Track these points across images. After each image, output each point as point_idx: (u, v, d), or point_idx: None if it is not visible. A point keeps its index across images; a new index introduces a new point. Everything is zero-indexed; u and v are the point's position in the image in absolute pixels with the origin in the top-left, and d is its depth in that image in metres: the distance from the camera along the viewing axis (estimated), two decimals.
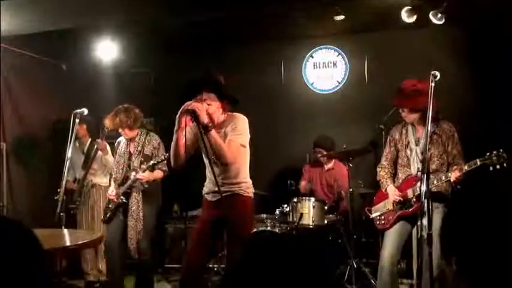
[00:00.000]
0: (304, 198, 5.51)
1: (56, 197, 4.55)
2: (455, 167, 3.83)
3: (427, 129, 3.38)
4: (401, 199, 4.09)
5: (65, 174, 4.52)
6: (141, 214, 4.91)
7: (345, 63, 7.03)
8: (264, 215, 5.90)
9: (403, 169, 4.23)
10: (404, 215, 4.10)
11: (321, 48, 7.17)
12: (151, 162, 4.86)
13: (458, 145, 4.07)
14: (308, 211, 5.36)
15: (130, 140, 5.11)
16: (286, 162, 6.81)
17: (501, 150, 3.65)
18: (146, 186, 4.96)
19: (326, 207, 5.47)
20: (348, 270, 5.20)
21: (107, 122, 5.03)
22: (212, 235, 3.88)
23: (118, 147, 5.18)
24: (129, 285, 5.24)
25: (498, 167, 3.62)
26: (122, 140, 5.19)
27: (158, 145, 5.15)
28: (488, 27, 5.83)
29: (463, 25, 6.10)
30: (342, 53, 7.05)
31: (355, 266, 5.10)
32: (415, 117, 4.08)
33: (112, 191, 5.03)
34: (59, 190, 4.50)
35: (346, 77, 7.01)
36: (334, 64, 7.10)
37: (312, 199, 5.46)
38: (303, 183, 6.17)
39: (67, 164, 4.56)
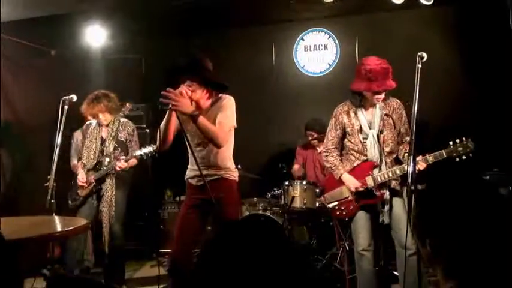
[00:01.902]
0: (295, 181, 5.53)
1: (46, 184, 4.54)
2: (420, 157, 3.67)
3: (414, 110, 3.36)
4: (362, 189, 3.96)
5: (55, 161, 4.51)
6: (113, 199, 4.94)
7: (336, 46, 7.02)
8: (256, 199, 5.94)
9: (355, 154, 4.04)
10: (365, 204, 4.01)
11: (311, 31, 7.15)
12: (138, 152, 4.87)
13: (406, 123, 4.02)
14: (299, 194, 5.38)
15: (102, 125, 5.10)
16: (277, 145, 6.81)
17: (464, 138, 3.67)
18: (120, 172, 4.98)
19: (318, 190, 5.49)
20: (340, 252, 5.23)
21: (88, 109, 5.00)
22: (198, 220, 3.84)
23: (87, 131, 5.14)
24: None
25: (464, 157, 3.63)
26: (91, 124, 5.16)
27: (133, 131, 5.19)
28: (477, 7, 5.82)
29: (452, 5, 6.10)
30: (333, 36, 7.04)
31: (347, 248, 5.13)
32: None
33: (82, 178, 5.01)
34: (49, 177, 4.49)
35: (337, 59, 7.01)
36: (325, 47, 7.09)
37: (304, 182, 5.48)
38: (296, 167, 6.18)
39: (56, 150, 4.54)
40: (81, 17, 6.34)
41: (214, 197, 3.60)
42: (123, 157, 4.91)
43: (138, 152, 4.88)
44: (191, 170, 3.92)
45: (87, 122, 5.21)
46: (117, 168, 4.88)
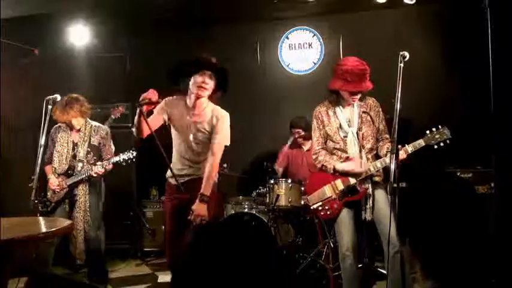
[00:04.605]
0: (280, 179, 5.54)
1: (30, 185, 4.51)
2: (400, 146, 3.64)
3: (397, 109, 3.40)
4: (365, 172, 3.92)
5: (39, 162, 4.49)
6: (87, 204, 4.91)
7: (320, 44, 7.05)
8: (241, 197, 5.96)
9: (337, 153, 4.02)
10: (349, 201, 4.00)
11: (296, 30, 7.18)
12: (116, 159, 4.81)
13: (383, 120, 4.06)
14: (284, 192, 5.39)
15: (72, 130, 5.01)
16: (263, 144, 6.82)
17: (440, 126, 3.74)
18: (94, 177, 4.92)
19: (303, 188, 5.50)
20: (325, 250, 5.26)
21: (61, 116, 4.87)
22: (184, 216, 3.83)
23: (56, 135, 5.03)
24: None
25: (442, 144, 3.70)
26: (60, 128, 5.06)
27: (106, 135, 5.11)
28: (459, 6, 5.88)
29: (435, 4, 6.16)
30: (317, 34, 7.07)
31: (332, 245, 5.15)
32: None
33: (55, 182, 4.93)
34: (32, 177, 4.46)
35: (322, 57, 7.04)
36: (310, 45, 7.12)
37: (289, 180, 5.49)
38: (279, 162, 6.20)
39: (40, 151, 4.52)
40: (65, 16, 6.30)
41: (191, 196, 3.76)
42: (100, 163, 4.86)
43: (116, 159, 4.80)
44: (174, 168, 3.98)
45: (56, 126, 5.09)
46: (94, 174, 4.82)
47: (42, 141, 4.56)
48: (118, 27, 6.83)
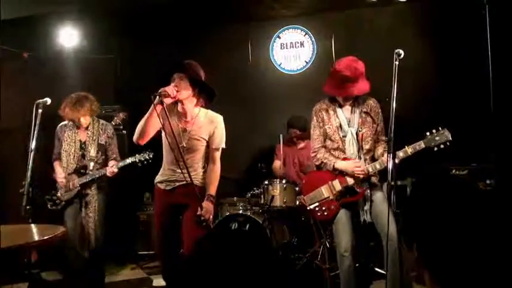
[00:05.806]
0: (275, 180, 5.51)
1: (21, 190, 4.42)
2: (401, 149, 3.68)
3: (392, 107, 3.36)
4: (364, 173, 3.86)
5: (29, 167, 4.40)
6: (96, 204, 4.87)
7: (312, 43, 7.02)
8: (236, 198, 5.92)
9: (335, 152, 3.98)
10: (347, 202, 3.96)
11: (287, 29, 7.14)
12: (131, 159, 4.75)
13: (382, 121, 4.03)
14: (279, 193, 5.37)
15: (79, 128, 4.98)
16: (256, 144, 6.79)
17: (440, 128, 3.68)
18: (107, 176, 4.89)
19: (297, 189, 5.48)
20: (321, 250, 5.23)
21: (71, 113, 4.84)
22: (174, 223, 3.89)
23: (63, 134, 4.99)
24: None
25: (442, 146, 3.65)
26: (66, 126, 5.02)
27: (113, 134, 5.09)
28: (452, 4, 5.87)
29: (427, 1, 6.14)
30: (309, 33, 7.04)
31: (328, 245, 5.12)
32: None
33: (61, 175, 4.90)
34: (24, 183, 4.38)
35: (314, 56, 7.01)
36: (302, 44, 7.09)
37: (283, 181, 5.47)
38: (278, 163, 6.14)
39: (31, 155, 4.43)
40: (54, 18, 6.24)
41: (181, 202, 3.79)
42: (114, 162, 4.83)
43: (131, 159, 4.74)
44: (165, 174, 3.96)
45: (62, 124, 5.05)
46: (109, 174, 4.79)
47: (32, 145, 4.47)
48: (108, 29, 6.78)
